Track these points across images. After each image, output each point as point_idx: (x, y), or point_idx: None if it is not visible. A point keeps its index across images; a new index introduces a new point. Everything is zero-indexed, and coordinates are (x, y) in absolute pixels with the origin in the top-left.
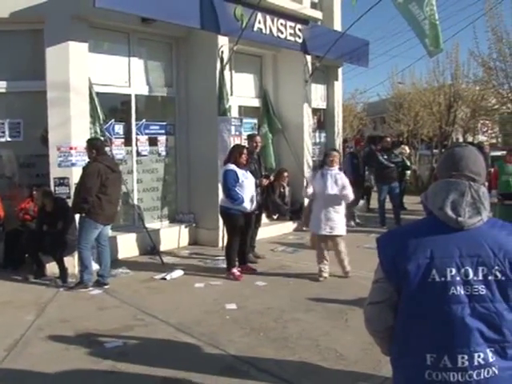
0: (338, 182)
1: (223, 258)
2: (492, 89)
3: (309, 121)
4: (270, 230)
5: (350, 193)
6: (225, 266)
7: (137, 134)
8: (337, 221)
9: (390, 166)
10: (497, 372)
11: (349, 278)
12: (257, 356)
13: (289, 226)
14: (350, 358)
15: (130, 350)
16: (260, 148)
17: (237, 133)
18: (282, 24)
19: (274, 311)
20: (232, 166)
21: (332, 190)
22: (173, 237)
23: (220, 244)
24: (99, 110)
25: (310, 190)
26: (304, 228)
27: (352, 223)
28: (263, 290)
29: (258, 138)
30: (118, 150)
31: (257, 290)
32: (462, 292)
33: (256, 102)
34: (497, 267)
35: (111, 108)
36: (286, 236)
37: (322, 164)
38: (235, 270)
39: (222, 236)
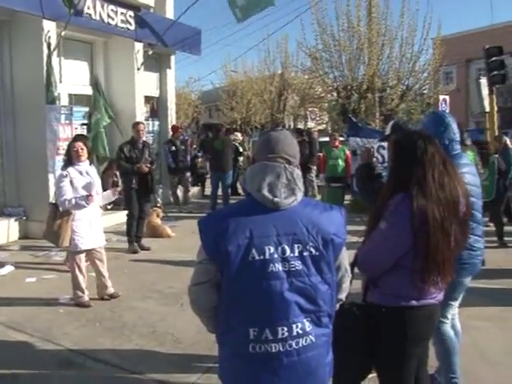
0: (94, 178)
1: (56, 250)
2: (318, 78)
3: (141, 109)
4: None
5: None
6: (58, 258)
7: None
8: (100, 228)
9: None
10: (313, 339)
11: (184, 264)
12: (93, 347)
13: (122, 216)
14: (187, 341)
15: None
16: (144, 135)
17: (67, 121)
18: (112, 10)
19: (109, 301)
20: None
21: (93, 189)
22: (1, 231)
23: None
24: None
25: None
26: (60, 246)
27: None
28: None
29: (141, 126)
30: None
31: (93, 280)
32: (280, 268)
33: (87, 90)
34: (311, 243)
35: None
36: (120, 226)
37: (67, 160)
38: None
39: None
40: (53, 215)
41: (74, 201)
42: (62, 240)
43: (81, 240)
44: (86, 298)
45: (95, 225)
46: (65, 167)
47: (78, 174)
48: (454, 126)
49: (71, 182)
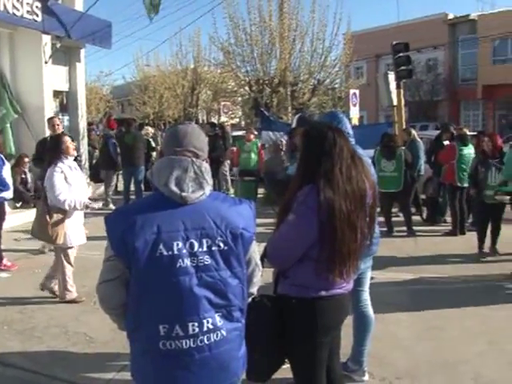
0: (80, 173)
1: None
2: (231, 72)
3: (50, 104)
4: (12, 219)
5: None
6: None
7: None
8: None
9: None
10: (225, 334)
11: (95, 262)
12: (2, 351)
13: (32, 214)
14: (100, 340)
15: None
16: (61, 130)
17: None
18: (17, 0)
19: (19, 302)
20: None
21: (82, 184)
22: None
23: None
24: None
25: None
26: (54, 243)
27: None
28: (7, 282)
29: (56, 120)
30: None
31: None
32: (189, 263)
33: None
34: (220, 238)
35: None
36: (30, 224)
37: (54, 154)
38: (5, 261)
39: None
40: (46, 212)
41: (73, 203)
42: (60, 237)
43: (73, 235)
44: (74, 293)
45: (80, 221)
46: (54, 163)
47: (69, 170)
48: (347, 122)
49: (65, 179)
